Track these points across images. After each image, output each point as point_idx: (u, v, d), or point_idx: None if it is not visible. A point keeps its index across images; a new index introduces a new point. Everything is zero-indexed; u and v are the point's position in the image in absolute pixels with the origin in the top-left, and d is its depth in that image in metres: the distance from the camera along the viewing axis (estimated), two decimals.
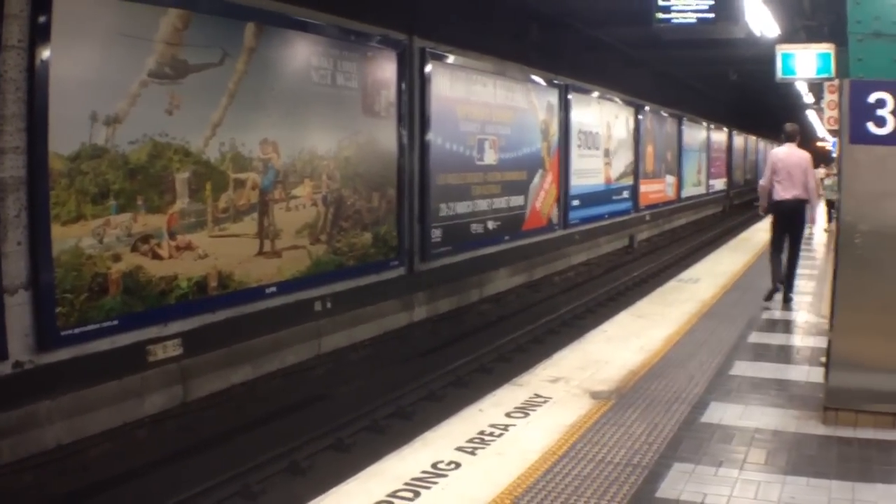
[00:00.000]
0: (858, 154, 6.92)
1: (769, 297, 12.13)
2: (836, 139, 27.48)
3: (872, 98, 6.76)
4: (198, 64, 9.85)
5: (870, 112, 6.77)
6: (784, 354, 9.54)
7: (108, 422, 9.35)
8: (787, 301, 12.09)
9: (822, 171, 24.32)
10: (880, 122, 6.76)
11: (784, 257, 12.07)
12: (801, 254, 12.38)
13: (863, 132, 6.79)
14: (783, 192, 11.51)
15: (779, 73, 11.40)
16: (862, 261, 6.95)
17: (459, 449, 6.40)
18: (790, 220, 11.75)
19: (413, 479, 5.80)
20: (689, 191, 34.53)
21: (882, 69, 6.90)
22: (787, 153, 11.67)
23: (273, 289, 11.08)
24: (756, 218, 32.27)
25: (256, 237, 10.84)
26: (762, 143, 57.53)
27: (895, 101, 6.73)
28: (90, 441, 9.15)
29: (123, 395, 9.54)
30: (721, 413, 7.38)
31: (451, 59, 15.38)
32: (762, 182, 12.13)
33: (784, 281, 12.10)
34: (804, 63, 10.84)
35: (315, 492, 5.97)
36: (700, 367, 8.86)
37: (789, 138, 11.85)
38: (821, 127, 38.97)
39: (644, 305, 12.42)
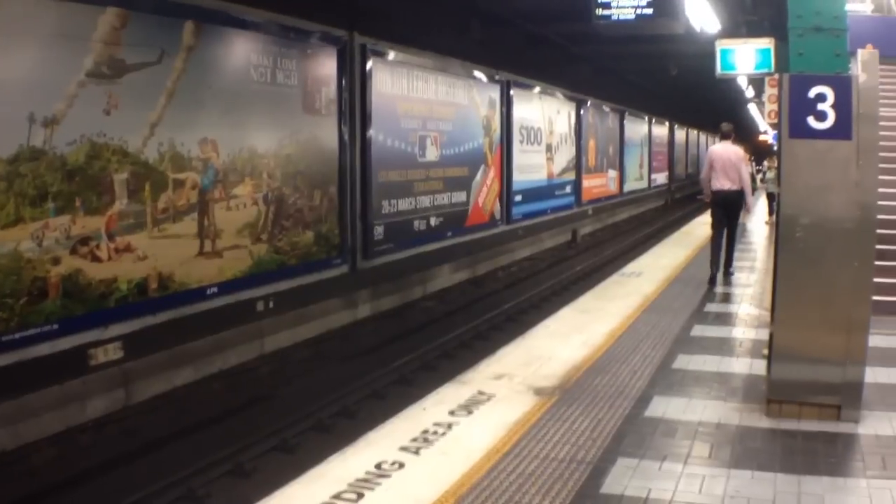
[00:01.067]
0: (798, 148, 6.97)
1: (712, 281, 13.36)
2: (776, 133, 27.77)
3: (813, 93, 6.82)
4: (136, 63, 9.72)
5: (810, 106, 6.82)
6: (727, 347, 9.61)
7: (51, 427, 9.26)
8: (728, 275, 13.72)
9: (765, 164, 24.68)
10: (821, 116, 6.81)
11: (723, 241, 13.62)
12: (742, 246, 12.64)
13: (803, 126, 6.85)
14: (720, 184, 13.03)
15: (718, 69, 11.49)
16: (803, 254, 7.01)
17: (403, 448, 6.37)
18: (726, 207, 13.23)
19: (357, 480, 5.76)
20: (631, 185, 34.73)
21: (823, 64, 6.96)
22: (723, 149, 13.28)
23: (214, 289, 10.97)
24: (697, 212, 32.64)
25: (197, 237, 10.72)
26: (703, 137, 58.01)
27: (835, 96, 6.80)
28: (34, 447, 9.04)
29: (65, 399, 9.44)
30: (664, 407, 7.42)
31: (391, 55, 15.32)
32: (703, 174, 13.73)
33: (726, 264, 13.76)
34: (744, 58, 10.95)
35: (260, 494, 5.92)
36: (643, 361, 8.90)
37: (725, 136, 13.65)
38: (762, 121, 39.41)
39: (587, 300, 12.46)
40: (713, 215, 13.56)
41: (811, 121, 6.86)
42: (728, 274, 13.77)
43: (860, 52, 6.96)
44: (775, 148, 25.56)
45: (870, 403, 7.30)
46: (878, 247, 7.84)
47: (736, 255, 14.46)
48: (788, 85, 6.94)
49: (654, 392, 7.84)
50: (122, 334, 9.60)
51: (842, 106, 6.82)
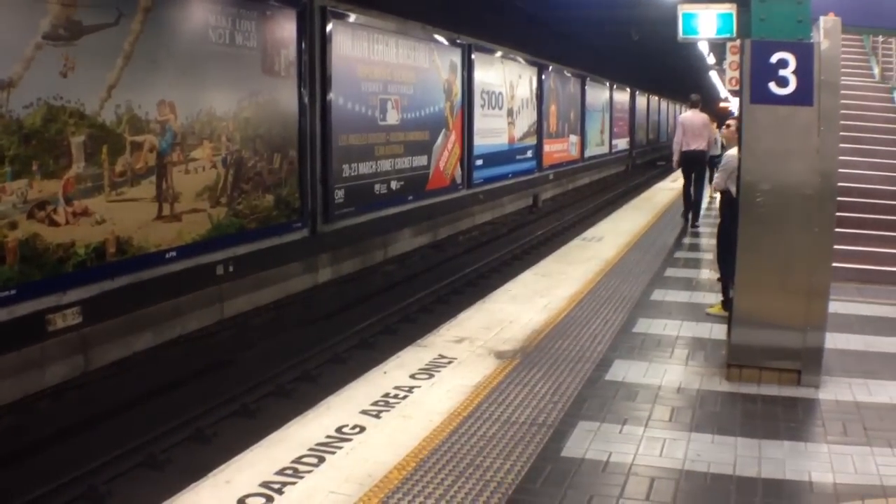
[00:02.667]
0: (760, 114, 7.00)
1: (685, 215, 16.69)
2: (737, 99, 27.86)
3: (775, 58, 6.84)
4: (93, 25, 9.54)
5: (772, 72, 6.84)
6: (687, 311, 9.68)
7: (9, 394, 9.15)
8: (693, 226, 16.15)
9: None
10: (782, 82, 6.84)
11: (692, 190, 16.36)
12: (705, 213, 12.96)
13: (764, 92, 6.87)
14: (690, 145, 15.77)
15: (680, 33, 11.46)
16: (763, 220, 7.05)
17: (364, 412, 6.37)
18: (695, 164, 16.12)
19: (318, 444, 5.76)
20: (592, 150, 34.72)
21: (785, 30, 6.98)
22: (692, 116, 16.25)
23: (173, 253, 10.86)
24: (657, 178, 32.80)
25: (155, 201, 10.59)
26: (665, 104, 58.12)
27: (797, 62, 6.81)
28: None
29: (24, 366, 9.33)
30: (625, 371, 7.47)
31: (352, 17, 15.17)
32: (675, 139, 16.35)
33: (693, 213, 16.43)
34: (706, 23, 10.90)
35: (220, 459, 5.90)
36: (604, 325, 8.94)
37: (693, 105, 16.58)
38: (722, 88, 39.49)
39: (548, 264, 12.49)
40: (684, 171, 16.41)
41: (772, 86, 6.89)
42: (694, 226, 16.15)
43: (822, 19, 6.94)
44: (735, 115, 26.01)
45: (830, 369, 7.39)
46: (838, 214, 7.89)
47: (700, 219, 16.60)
48: (750, 50, 6.95)
49: (614, 356, 7.89)
50: (80, 299, 9.48)
51: (803, 72, 6.85)
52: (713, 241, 13.15)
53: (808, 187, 6.94)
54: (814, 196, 6.94)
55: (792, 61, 6.84)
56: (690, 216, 16.42)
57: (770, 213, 7.03)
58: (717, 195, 10.74)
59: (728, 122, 9.89)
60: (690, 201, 16.46)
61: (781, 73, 6.85)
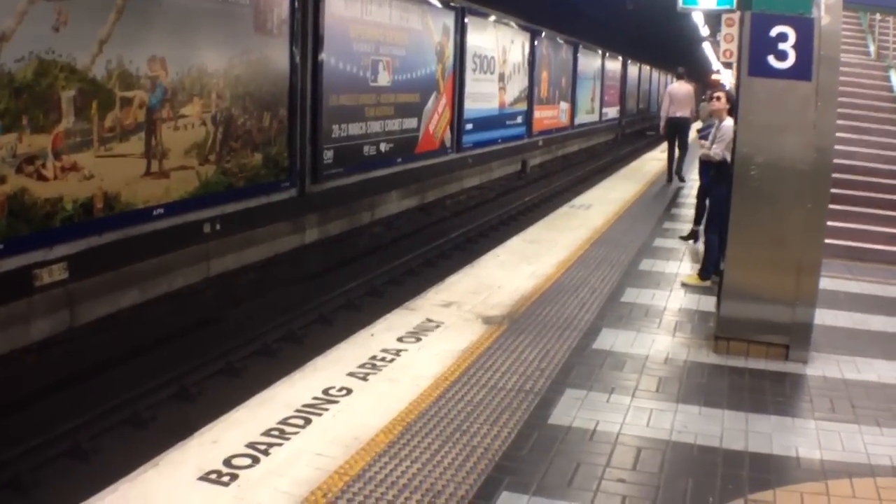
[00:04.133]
0: (757, 87, 6.98)
1: (669, 181, 18.68)
2: (730, 71, 27.81)
3: (774, 32, 6.81)
4: None
5: (771, 45, 6.82)
6: (674, 282, 9.68)
7: None
8: (681, 180, 18.48)
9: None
10: (781, 55, 6.81)
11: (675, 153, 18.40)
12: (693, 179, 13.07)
13: (763, 65, 6.85)
14: (675, 113, 17.69)
15: (680, 3, 11.38)
16: (757, 193, 7.05)
17: (351, 374, 6.36)
18: (679, 130, 17.99)
19: (304, 405, 5.75)
20: (582, 118, 34.58)
21: (785, 3, 6.92)
22: (678, 87, 18.27)
23: (161, 210, 10.77)
24: (647, 147, 32.78)
25: (143, 157, 10.49)
26: (657, 74, 57.92)
27: (797, 36, 6.77)
28: None
29: (9, 321, 9.27)
30: (612, 340, 7.48)
31: None
32: (663, 107, 18.43)
33: (677, 171, 18.71)
34: None
35: (205, 417, 5.90)
36: (592, 293, 8.94)
37: (679, 77, 19.05)
38: (715, 60, 39.40)
39: (537, 231, 12.48)
40: (668, 136, 18.50)
41: (771, 59, 6.87)
42: (682, 180, 18.62)
43: None
44: (727, 87, 26.45)
45: (818, 345, 7.42)
46: (833, 190, 7.88)
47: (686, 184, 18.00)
48: (750, 23, 6.91)
49: (602, 324, 7.90)
50: (67, 255, 9.40)
51: (803, 47, 6.82)
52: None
53: (803, 162, 6.92)
54: (808, 171, 6.93)
55: (792, 35, 6.81)
56: (675, 171, 18.88)
57: (764, 186, 7.03)
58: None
59: (717, 93, 9.81)
60: (672, 164, 18.86)
61: (781, 46, 6.82)
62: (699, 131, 14.77)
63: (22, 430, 7.71)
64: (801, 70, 6.86)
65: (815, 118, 6.90)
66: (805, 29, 6.84)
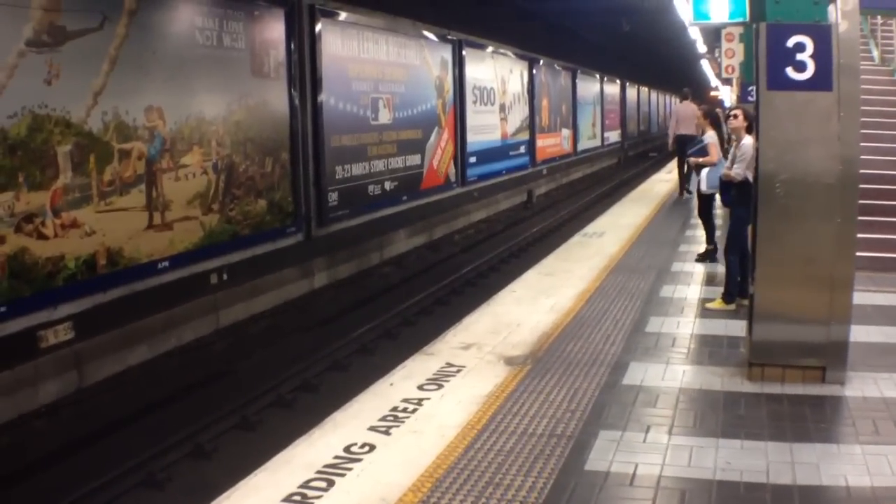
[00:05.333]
0: (777, 101, 6.73)
1: (681, 195, 19.71)
2: (728, 87, 27.69)
3: (791, 42, 6.57)
4: (77, 30, 9.23)
5: (789, 56, 6.57)
6: (698, 308, 9.40)
7: (3, 415, 8.86)
8: (689, 193, 18.74)
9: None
10: (800, 66, 6.57)
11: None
12: None
13: (782, 78, 6.60)
14: (680, 130, 18.82)
15: (692, 18, 11.19)
16: (783, 210, 6.79)
17: (372, 429, 6.06)
18: (683, 144, 17.70)
19: (325, 465, 5.45)
20: (584, 144, 34.47)
21: (801, 12, 6.69)
22: (683, 107, 19.59)
23: (165, 263, 10.56)
24: (652, 169, 32.61)
25: (145, 210, 10.29)
26: (655, 95, 57.88)
27: (815, 45, 6.53)
28: None
29: (17, 385, 9.05)
30: (642, 374, 7.19)
31: (342, 16, 14.88)
32: (670, 126, 20.31)
33: (686, 186, 19.29)
34: (717, 6, 10.59)
35: (223, 477, 5.63)
36: (615, 325, 8.66)
37: (684, 97, 20.42)
38: (713, 77, 39.30)
39: (551, 262, 12.23)
40: (676, 152, 19.73)
41: (790, 71, 6.62)
42: (689, 193, 18.80)
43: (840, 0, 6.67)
44: (726, 104, 26.78)
45: (853, 364, 7.13)
46: (862, 202, 7.60)
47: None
48: (766, 34, 6.65)
49: (629, 358, 7.61)
50: (72, 314, 9.19)
51: (822, 56, 6.57)
52: (717, 234, 12.98)
53: (829, 176, 6.66)
54: (835, 185, 6.67)
55: (809, 45, 6.56)
56: (684, 186, 19.75)
57: (791, 203, 6.76)
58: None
59: (735, 111, 9.62)
60: (683, 176, 19.80)
61: (799, 57, 6.58)
62: (689, 150, 14.69)
63: (36, 497, 7.43)
64: (822, 80, 6.61)
65: (838, 129, 6.64)
66: (823, 37, 6.59)
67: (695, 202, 13.95)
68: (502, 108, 24.11)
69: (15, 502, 7.49)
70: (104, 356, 10.19)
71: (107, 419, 9.24)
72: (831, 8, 6.74)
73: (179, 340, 11.38)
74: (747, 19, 10.24)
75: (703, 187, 11.05)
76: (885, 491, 5.10)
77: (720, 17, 10.71)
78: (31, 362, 9.14)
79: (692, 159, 11.56)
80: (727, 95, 31.06)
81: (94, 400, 9.80)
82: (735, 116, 9.35)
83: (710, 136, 11.25)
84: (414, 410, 6.40)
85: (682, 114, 19.12)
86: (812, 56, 6.56)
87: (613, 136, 41.42)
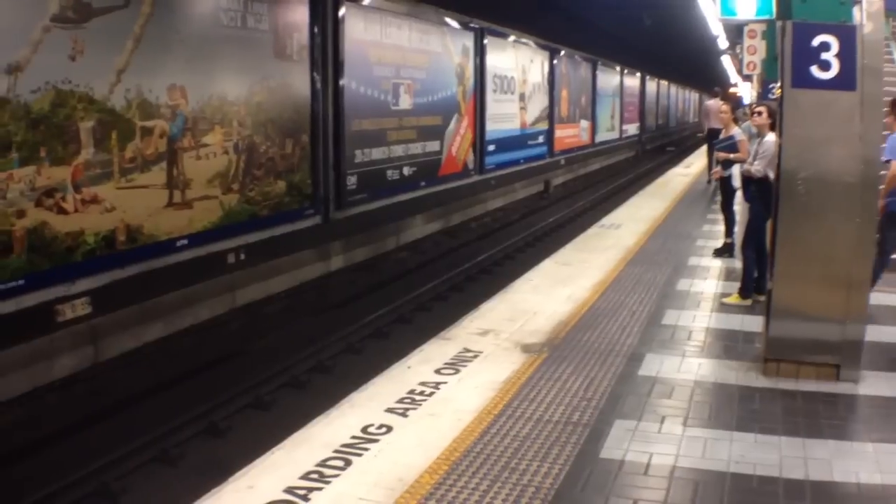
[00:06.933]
0: (801, 98, 6.75)
1: (709, 182, 20.40)
2: (749, 84, 27.62)
3: (816, 41, 6.59)
4: (102, 7, 9.24)
5: (814, 55, 6.59)
6: (715, 302, 9.42)
7: (18, 387, 8.92)
8: (709, 182, 20.48)
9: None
10: (824, 65, 6.59)
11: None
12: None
13: (806, 76, 6.62)
14: (711, 124, 20.45)
15: (719, 13, 11.20)
16: (804, 208, 6.80)
17: (390, 410, 6.11)
18: (712, 136, 18.80)
19: (342, 445, 5.50)
20: (602, 136, 34.38)
21: (827, 12, 6.71)
22: (714, 103, 21.38)
23: (184, 241, 10.58)
24: (669, 163, 32.55)
25: (165, 188, 10.31)
26: (675, 89, 57.68)
27: (840, 45, 6.53)
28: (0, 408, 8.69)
29: (32, 358, 9.09)
30: (658, 365, 7.22)
31: (365, 0, 14.88)
32: (702, 118, 23.97)
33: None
34: (744, 3, 10.59)
35: (236, 455, 5.67)
36: (631, 316, 8.69)
37: (714, 95, 23.70)
38: (734, 73, 39.09)
39: (568, 252, 12.25)
40: (707, 141, 21.39)
41: (814, 70, 6.64)
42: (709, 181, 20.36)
43: (865, 1, 6.67)
44: (745, 101, 27.33)
45: (867, 363, 7.15)
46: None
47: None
48: (792, 33, 6.66)
49: (645, 350, 7.64)
50: (89, 289, 9.20)
51: (846, 56, 6.59)
52: (737, 228, 13.00)
53: (850, 175, 6.68)
54: (856, 184, 6.69)
55: (834, 44, 6.57)
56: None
57: (811, 201, 6.78)
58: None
59: (759, 108, 9.60)
60: (712, 165, 19.52)
61: (824, 56, 6.59)
62: (716, 144, 14.65)
63: (50, 471, 7.48)
64: (846, 80, 6.62)
65: (861, 129, 6.65)
66: (848, 37, 6.60)
67: (717, 197, 14.09)
68: (522, 97, 24.07)
69: (28, 476, 7.51)
70: (120, 332, 10.24)
71: (121, 395, 9.29)
72: (856, 9, 6.75)
73: (196, 318, 11.42)
74: (773, 17, 10.22)
75: (736, 183, 11.08)
76: None
77: (747, 13, 10.71)
78: (48, 336, 9.17)
79: (721, 154, 11.65)
80: (747, 92, 30.90)
81: (108, 375, 9.85)
82: (759, 113, 9.34)
83: (741, 133, 11.37)
84: (431, 394, 6.44)
85: (712, 109, 20.96)
86: (837, 55, 6.57)
87: (632, 128, 41.30)
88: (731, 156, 11.13)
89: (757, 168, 9.03)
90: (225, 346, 11.01)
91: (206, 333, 11.37)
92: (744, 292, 9.32)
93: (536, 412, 6.12)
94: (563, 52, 27.88)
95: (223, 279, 11.86)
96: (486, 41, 20.70)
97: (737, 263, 10.87)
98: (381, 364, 7.63)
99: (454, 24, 19.01)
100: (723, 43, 30.30)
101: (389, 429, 5.76)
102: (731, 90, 40.84)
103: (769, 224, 7.73)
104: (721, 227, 12.63)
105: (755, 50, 18.84)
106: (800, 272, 6.93)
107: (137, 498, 7.37)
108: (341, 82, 13.98)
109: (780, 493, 5.05)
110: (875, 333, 7.93)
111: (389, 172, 15.93)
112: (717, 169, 11.74)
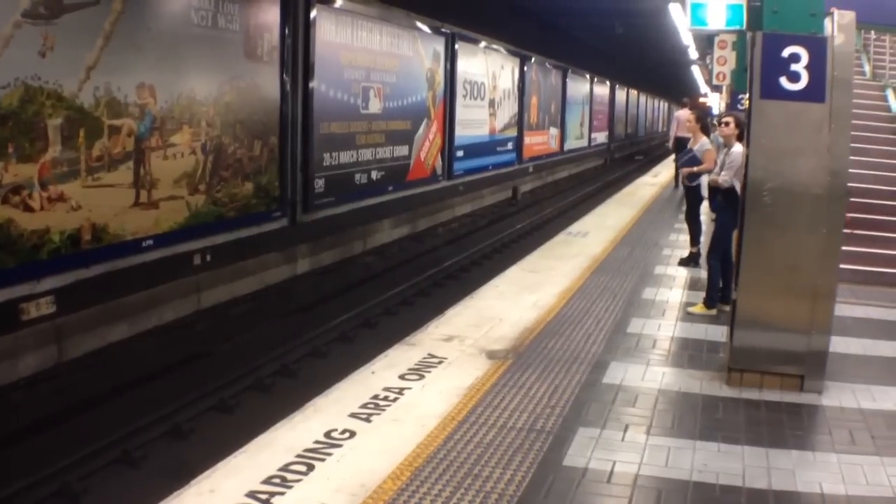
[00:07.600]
0: (770, 109, 6.78)
1: (676, 187, 20.89)
2: (718, 94, 27.84)
3: (786, 52, 6.62)
4: (73, 3, 9.18)
5: (783, 66, 6.62)
6: (680, 311, 9.46)
7: None
8: (676, 188, 20.98)
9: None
10: (794, 77, 6.62)
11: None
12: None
13: (775, 87, 6.65)
14: (679, 132, 20.54)
15: (689, 23, 11.25)
16: (770, 218, 6.85)
17: (353, 415, 6.09)
18: (682, 144, 17.41)
19: (305, 449, 5.47)
20: (571, 143, 34.50)
21: (797, 23, 6.76)
22: (684, 112, 20.46)
23: (150, 242, 10.51)
24: (638, 172, 32.68)
25: (132, 187, 10.24)
26: (643, 98, 57.95)
27: (810, 57, 6.57)
28: None
29: None
30: (622, 373, 7.24)
31: (337, 2, 14.84)
32: (671, 128, 23.60)
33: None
34: (714, 14, 10.64)
35: (199, 458, 5.63)
36: (596, 324, 8.71)
37: (683, 105, 23.95)
38: (703, 84, 39.36)
39: (535, 259, 12.26)
40: (675, 150, 20.88)
41: (784, 81, 6.68)
42: (677, 187, 20.55)
43: (837, 13, 6.71)
44: (714, 112, 27.62)
45: (831, 374, 7.22)
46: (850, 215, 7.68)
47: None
48: (762, 43, 6.70)
49: (610, 358, 7.66)
50: (54, 288, 9.14)
51: (816, 67, 6.63)
52: (702, 238, 13.07)
53: (817, 187, 6.72)
54: (823, 196, 6.73)
55: (804, 56, 6.61)
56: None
57: (777, 212, 6.82)
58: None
59: (726, 118, 9.65)
60: (679, 173, 20.24)
61: (793, 67, 6.63)
62: (678, 159, 14.68)
63: (11, 471, 7.40)
64: (815, 92, 6.66)
65: (829, 141, 6.70)
66: (818, 49, 6.65)
67: (682, 206, 14.14)
68: (492, 103, 24.10)
69: None
70: (84, 332, 10.15)
71: (84, 395, 9.21)
72: (827, 20, 6.80)
73: (160, 320, 11.34)
74: (744, 27, 10.30)
75: (704, 193, 11.13)
76: (860, 500, 5.17)
77: (717, 24, 10.78)
78: (12, 335, 9.09)
79: (684, 169, 11.67)
80: (716, 102, 31.12)
81: (72, 375, 9.76)
82: (727, 124, 9.39)
83: (707, 143, 11.34)
84: (395, 399, 6.43)
85: (681, 118, 20.76)
86: (806, 67, 6.61)
87: (600, 137, 41.46)
88: (695, 169, 11.17)
89: (724, 178, 9.08)
90: (190, 347, 10.94)
91: (170, 335, 11.28)
92: (709, 302, 9.37)
93: (500, 419, 6.11)
94: (533, 59, 27.94)
95: (189, 280, 11.78)
96: (457, 46, 20.72)
97: (702, 273, 10.91)
98: (345, 369, 7.59)
99: (425, 28, 19.01)
100: (693, 53, 30.51)
101: (353, 434, 5.74)
102: (701, 100, 41.13)
103: (735, 234, 7.78)
104: (687, 237, 12.70)
105: (725, 61, 18.98)
106: (765, 282, 6.97)
107: (99, 499, 7.32)
108: (311, 84, 13.94)
109: (743, 502, 5.07)
110: (840, 345, 8.00)
111: (357, 176, 15.91)
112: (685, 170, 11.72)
